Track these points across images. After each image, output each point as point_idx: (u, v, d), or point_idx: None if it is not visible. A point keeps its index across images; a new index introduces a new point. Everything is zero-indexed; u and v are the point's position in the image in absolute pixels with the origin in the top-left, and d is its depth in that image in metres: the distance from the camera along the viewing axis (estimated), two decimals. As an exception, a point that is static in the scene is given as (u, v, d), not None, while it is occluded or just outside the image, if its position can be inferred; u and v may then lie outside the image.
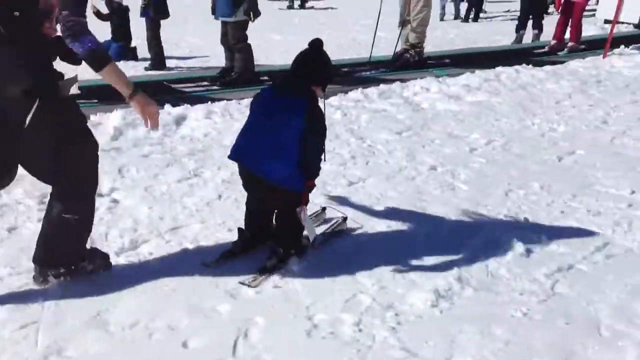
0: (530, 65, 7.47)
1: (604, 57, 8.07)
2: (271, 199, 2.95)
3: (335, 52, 12.36)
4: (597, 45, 9.05)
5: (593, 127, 5.37)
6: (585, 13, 9.99)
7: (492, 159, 4.56)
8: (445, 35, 14.46)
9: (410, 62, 8.08)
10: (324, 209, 3.49)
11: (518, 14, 12.10)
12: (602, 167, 4.40)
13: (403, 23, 8.23)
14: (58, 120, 2.41)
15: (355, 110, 5.64)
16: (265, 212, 3.10)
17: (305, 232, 3.01)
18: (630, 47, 8.74)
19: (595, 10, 10.35)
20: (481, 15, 17.88)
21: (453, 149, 4.73)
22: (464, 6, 17.76)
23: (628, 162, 4.49)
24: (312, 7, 19.72)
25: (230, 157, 2.92)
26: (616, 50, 8.44)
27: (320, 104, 2.86)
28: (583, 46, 9.69)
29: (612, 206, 3.72)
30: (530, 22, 11.70)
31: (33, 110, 2.30)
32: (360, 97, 6.00)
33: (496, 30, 15.29)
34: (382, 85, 6.39)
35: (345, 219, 3.38)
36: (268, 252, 2.94)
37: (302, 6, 19.63)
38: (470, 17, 17.34)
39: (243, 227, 3.09)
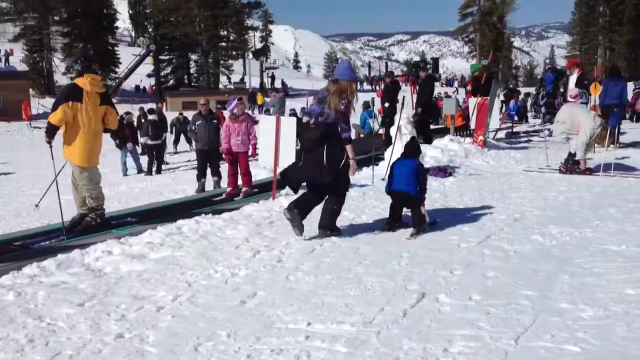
0: (210, 215, 7.87)
1: (273, 199, 8.92)
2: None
3: (13, 221, 11.59)
4: (267, 188, 9.99)
5: (270, 267, 5.82)
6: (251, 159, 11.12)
7: (180, 314, 4.61)
8: (130, 190, 14.58)
9: (92, 225, 7.91)
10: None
11: (197, 163, 12.89)
12: (281, 304, 4.76)
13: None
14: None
15: (31, 288, 5.25)
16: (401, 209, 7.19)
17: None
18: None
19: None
20: (163, 167, 18.50)
21: (140, 312, 4.68)
22: (144, 160, 18.21)
23: (303, 296, 4.94)
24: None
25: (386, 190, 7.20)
26: (283, 192, 9.38)
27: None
28: (256, 189, 10.63)
29: (292, 341, 4.02)
30: (209, 170, 12.51)
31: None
32: (36, 271, 5.61)
33: (180, 179, 15.95)
34: (60, 255, 6.06)
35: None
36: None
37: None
38: (154, 169, 17.81)
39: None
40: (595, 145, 12.26)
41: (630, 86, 22.71)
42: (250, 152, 10.96)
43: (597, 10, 77.88)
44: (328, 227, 6.76)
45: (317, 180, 6.60)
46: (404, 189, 6.87)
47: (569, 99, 15.17)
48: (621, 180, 10.15)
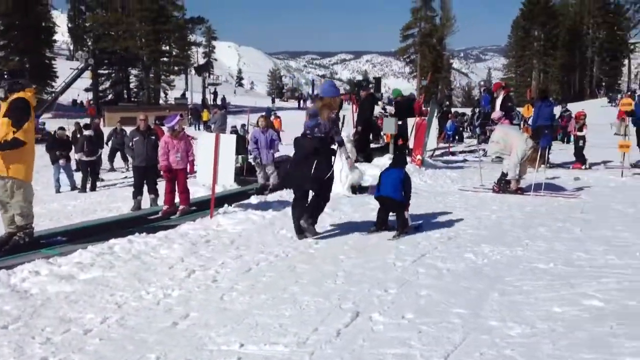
0: (144, 233, 7.70)
1: (211, 217, 8.82)
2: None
3: None
4: (205, 206, 9.87)
5: (204, 287, 5.73)
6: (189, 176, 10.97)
7: (108, 337, 4.48)
8: (63, 208, 14.15)
9: (20, 244, 7.61)
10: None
11: (133, 180, 12.63)
12: (214, 325, 4.69)
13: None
14: None
15: (-48, 310, 5.02)
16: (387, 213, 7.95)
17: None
18: (233, 205, 9.74)
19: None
20: (98, 183, 18.05)
21: (66, 335, 4.52)
22: (78, 176, 17.72)
23: (237, 317, 4.88)
24: None
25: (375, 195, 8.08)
26: (221, 210, 9.31)
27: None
28: (194, 207, 10.49)
29: (223, 363, 3.96)
30: (145, 188, 12.27)
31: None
32: (-42, 292, 5.37)
33: (115, 197, 15.58)
34: (-16, 277, 5.83)
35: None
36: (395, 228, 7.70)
37: None
38: (88, 186, 17.34)
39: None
40: (528, 166, 12.66)
41: (557, 108, 23.63)
42: (188, 169, 10.81)
43: (532, 34, 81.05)
44: (310, 216, 7.67)
45: (306, 187, 7.78)
46: (390, 194, 7.79)
47: (495, 120, 15.65)
48: (551, 200, 10.49)
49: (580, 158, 14.97)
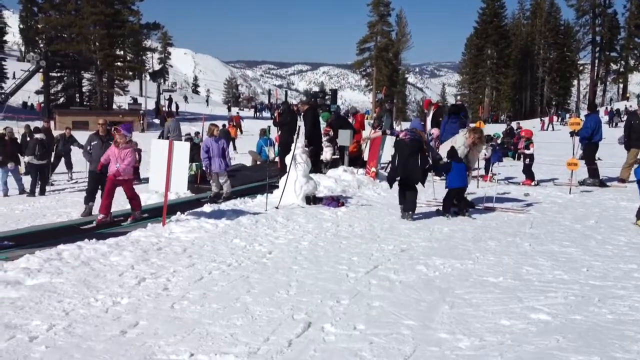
0: (94, 240, 7.55)
1: (163, 225, 8.69)
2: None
3: None
4: (158, 213, 9.72)
5: (155, 295, 5.64)
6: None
7: (54, 345, 4.37)
8: (10, 212, 13.76)
9: (-37, 248, 7.38)
10: None
11: (87, 185, 12.36)
12: (163, 334, 4.62)
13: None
14: None
15: None
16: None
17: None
18: (186, 213, 9.63)
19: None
20: (48, 188, 17.61)
21: (11, 342, 4.38)
22: (27, 180, 17.27)
23: (188, 326, 4.82)
24: None
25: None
26: (173, 217, 9.18)
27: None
28: (146, 214, 10.32)
29: (172, 373, 3.91)
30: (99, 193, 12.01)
31: None
32: None
33: (65, 202, 15.22)
34: None
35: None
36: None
37: None
38: (37, 190, 16.90)
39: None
40: (478, 180, 12.87)
41: (503, 126, 24.03)
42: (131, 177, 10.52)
43: (485, 52, 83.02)
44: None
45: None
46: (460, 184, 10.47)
47: (433, 137, 15.93)
48: (501, 214, 10.71)
49: (529, 175, 15.33)
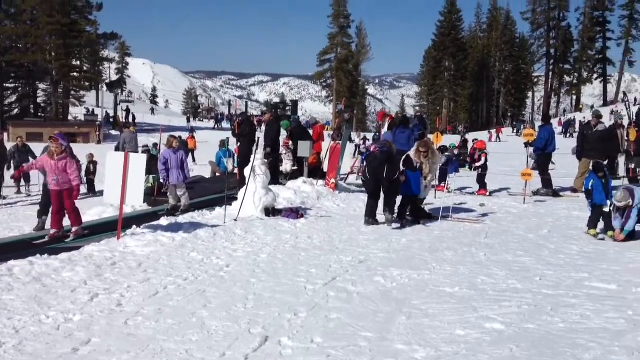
0: (46, 255, 7.37)
1: (118, 239, 8.54)
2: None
3: None
4: (112, 227, 9.53)
5: (108, 312, 5.53)
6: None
7: (2, 365, 4.24)
8: (-42, 226, 13.32)
9: None
10: None
11: (40, 198, 12.04)
12: (116, 351, 4.53)
13: None
14: None
15: None
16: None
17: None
18: (142, 226, 9.47)
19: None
20: (1, 202, 17.17)
21: (-46, 364, 4.24)
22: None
23: (142, 342, 4.73)
24: None
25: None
26: (129, 231, 9.03)
27: None
28: (87, 231, 9.94)
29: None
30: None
31: None
32: None
33: (17, 216, 14.83)
34: None
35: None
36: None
37: None
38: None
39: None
40: (435, 191, 13.02)
41: (457, 137, 24.35)
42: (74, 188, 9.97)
43: (443, 64, 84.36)
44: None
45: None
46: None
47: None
48: (458, 225, 10.86)
49: (482, 185, 15.59)
